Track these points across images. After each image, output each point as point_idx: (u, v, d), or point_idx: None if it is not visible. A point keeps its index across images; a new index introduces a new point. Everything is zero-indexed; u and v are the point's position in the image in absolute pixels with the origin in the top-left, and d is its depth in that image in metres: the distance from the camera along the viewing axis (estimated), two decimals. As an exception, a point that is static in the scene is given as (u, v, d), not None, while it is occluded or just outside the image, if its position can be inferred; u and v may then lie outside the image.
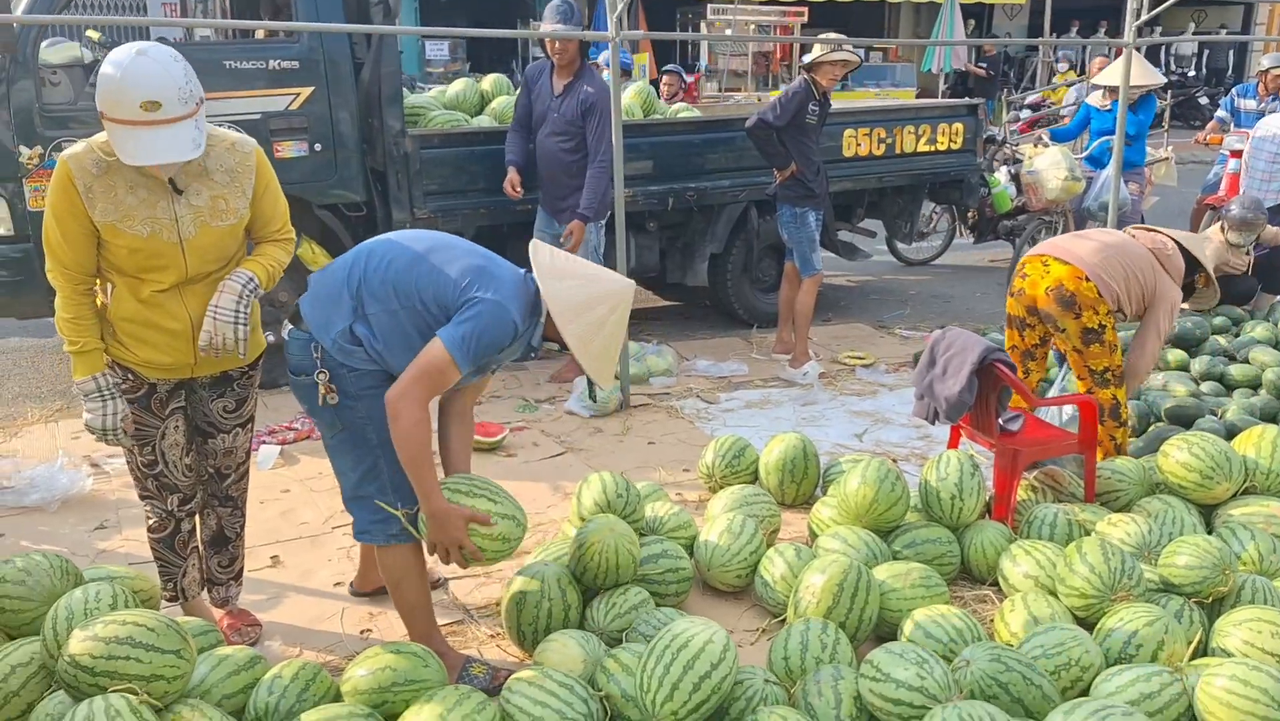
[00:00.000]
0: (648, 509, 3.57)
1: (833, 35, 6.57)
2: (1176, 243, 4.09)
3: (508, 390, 5.55)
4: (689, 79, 12.14)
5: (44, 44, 4.95)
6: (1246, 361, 5.13)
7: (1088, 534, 3.42)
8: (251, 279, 2.81)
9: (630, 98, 6.59)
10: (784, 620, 3.11)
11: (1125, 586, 2.94)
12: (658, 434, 4.96)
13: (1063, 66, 16.48)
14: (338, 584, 3.50)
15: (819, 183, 5.69)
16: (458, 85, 6.62)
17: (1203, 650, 2.85)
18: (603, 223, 5.37)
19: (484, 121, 6.25)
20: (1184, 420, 4.51)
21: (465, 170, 5.67)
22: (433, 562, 2.89)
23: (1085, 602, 2.96)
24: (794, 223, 5.71)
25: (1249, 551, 3.28)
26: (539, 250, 2.71)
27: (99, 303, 2.76)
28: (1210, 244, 5.55)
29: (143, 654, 2.31)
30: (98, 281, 2.75)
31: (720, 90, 17.51)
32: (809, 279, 5.80)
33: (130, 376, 2.81)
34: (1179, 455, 3.65)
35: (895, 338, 6.71)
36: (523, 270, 2.71)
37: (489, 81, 6.71)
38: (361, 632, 3.20)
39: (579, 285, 2.67)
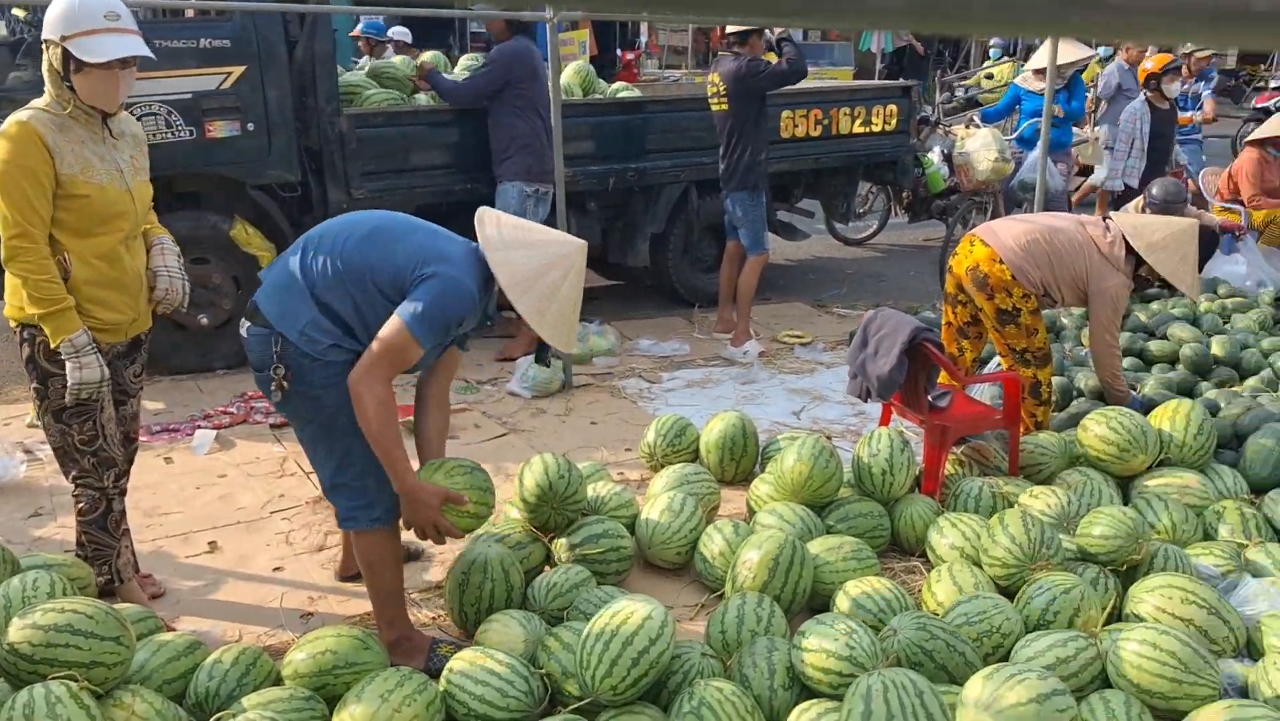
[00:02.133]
0: (590, 489, 3.62)
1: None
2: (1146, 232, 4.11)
3: (449, 371, 5.55)
4: (631, 54, 12.11)
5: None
6: (1165, 338, 5.33)
7: (1011, 506, 3.55)
8: (172, 241, 3.16)
9: (569, 77, 6.59)
10: (722, 595, 3.20)
11: (1044, 556, 3.07)
12: (600, 414, 5.01)
13: (995, 52, 16.71)
14: (277, 568, 3.50)
15: (766, 163, 5.80)
16: (395, 61, 6.56)
17: (1117, 616, 2.99)
18: (546, 196, 5.39)
19: (421, 99, 6.21)
20: (1104, 396, 4.67)
21: (403, 149, 5.64)
22: (408, 537, 2.97)
23: (1007, 572, 3.09)
24: (750, 203, 5.77)
25: (1163, 521, 3.44)
26: (485, 222, 2.73)
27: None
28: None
29: (82, 641, 2.31)
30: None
31: (661, 67, 17.52)
32: (756, 258, 5.88)
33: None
34: (1098, 429, 3.81)
35: (833, 316, 6.83)
36: (473, 242, 2.74)
37: (427, 57, 6.67)
38: (302, 616, 3.21)
39: (527, 254, 2.69)
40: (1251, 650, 2.86)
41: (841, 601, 2.98)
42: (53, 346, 2.80)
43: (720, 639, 2.81)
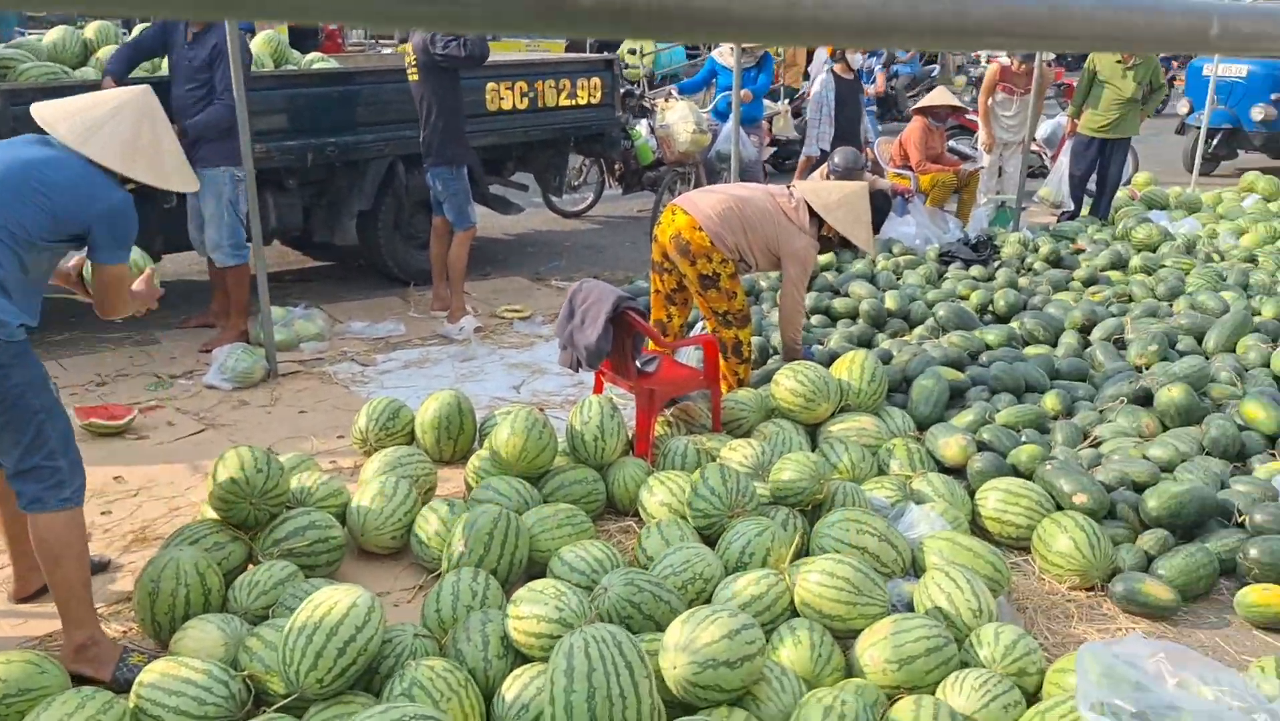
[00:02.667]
0: (294, 480, 3.48)
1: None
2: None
3: (137, 366, 5.12)
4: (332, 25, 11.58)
5: None
6: (847, 295, 5.83)
7: (714, 460, 3.77)
8: None
9: (259, 47, 6.20)
10: (440, 575, 3.18)
11: (740, 503, 3.29)
12: (309, 402, 4.80)
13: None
14: (-69, 600, 3.10)
15: (465, 136, 5.74)
16: (55, 33, 5.91)
17: (806, 551, 3.26)
18: (240, 176, 5.05)
19: (88, 73, 5.64)
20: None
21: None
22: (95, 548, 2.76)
23: (708, 522, 3.28)
24: (450, 177, 5.69)
25: (843, 461, 3.78)
26: (53, 122, 2.74)
27: None
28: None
29: None
30: None
31: (369, 36, 16.88)
32: (462, 233, 5.82)
33: None
34: (787, 383, 4.11)
35: (552, 289, 6.91)
36: (70, 152, 2.72)
37: (93, 29, 6.05)
38: (-35, 650, 2.87)
39: (111, 128, 2.77)
40: (916, 568, 3.21)
41: (555, 566, 3.05)
42: None
43: (436, 617, 2.80)
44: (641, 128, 8.44)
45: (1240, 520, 3.47)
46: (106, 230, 2.70)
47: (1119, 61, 7.81)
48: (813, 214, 4.37)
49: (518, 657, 2.65)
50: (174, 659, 2.50)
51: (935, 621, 2.74)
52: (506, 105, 6.87)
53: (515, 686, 2.45)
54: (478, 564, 3.01)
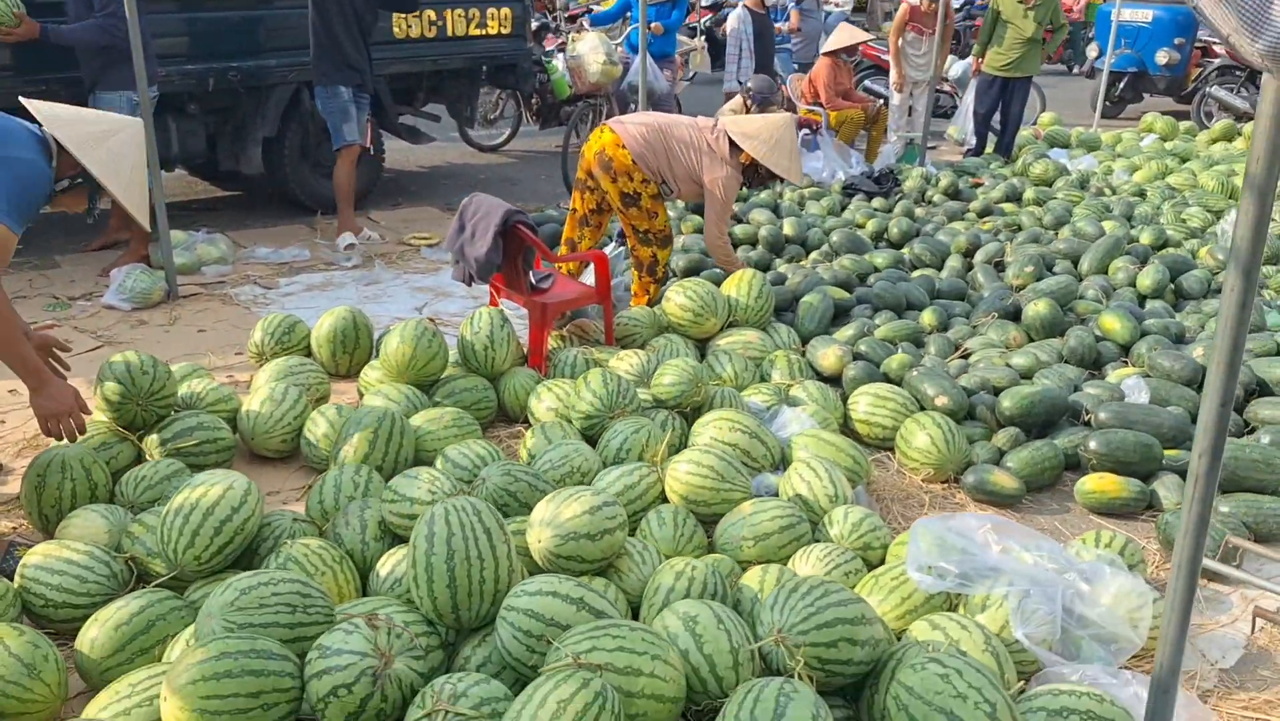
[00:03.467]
0: (184, 386, 3.54)
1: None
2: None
3: (34, 289, 5.08)
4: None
5: None
6: (747, 222, 5.99)
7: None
8: None
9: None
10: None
11: (621, 405, 3.45)
12: (209, 322, 4.83)
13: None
14: None
15: (356, 59, 5.76)
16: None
17: (682, 449, 3.43)
18: (136, 100, 4.99)
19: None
20: (694, 271, 5.18)
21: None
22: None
23: (590, 422, 3.43)
24: (326, 96, 5.77)
25: (728, 371, 3.96)
26: (37, 104, 2.86)
27: None
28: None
29: None
30: None
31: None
32: (345, 150, 5.88)
33: None
34: (678, 299, 4.27)
35: (461, 219, 6.96)
36: (29, 124, 2.81)
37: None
38: None
39: (90, 123, 2.89)
40: (785, 464, 3.41)
41: (439, 462, 3.18)
42: None
43: (319, 509, 2.91)
44: (558, 62, 8.46)
45: (1087, 419, 3.74)
46: (3, 183, 2.62)
47: (1020, 2, 8.02)
48: (733, 145, 4.49)
49: (394, 541, 2.78)
50: (57, 542, 2.59)
51: (790, 504, 2.93)
52: (415, 33, 6.84)
53: (389, 563, 2.59)
54: (363, 460, 3.13)
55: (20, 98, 2.91)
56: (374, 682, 1.98)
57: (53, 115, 2.88)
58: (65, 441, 2.95)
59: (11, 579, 2.56)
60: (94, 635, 2.31)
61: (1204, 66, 12.04)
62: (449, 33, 7.03)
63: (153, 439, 3.23)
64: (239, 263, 5.68)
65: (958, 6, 15.08)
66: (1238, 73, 11.64)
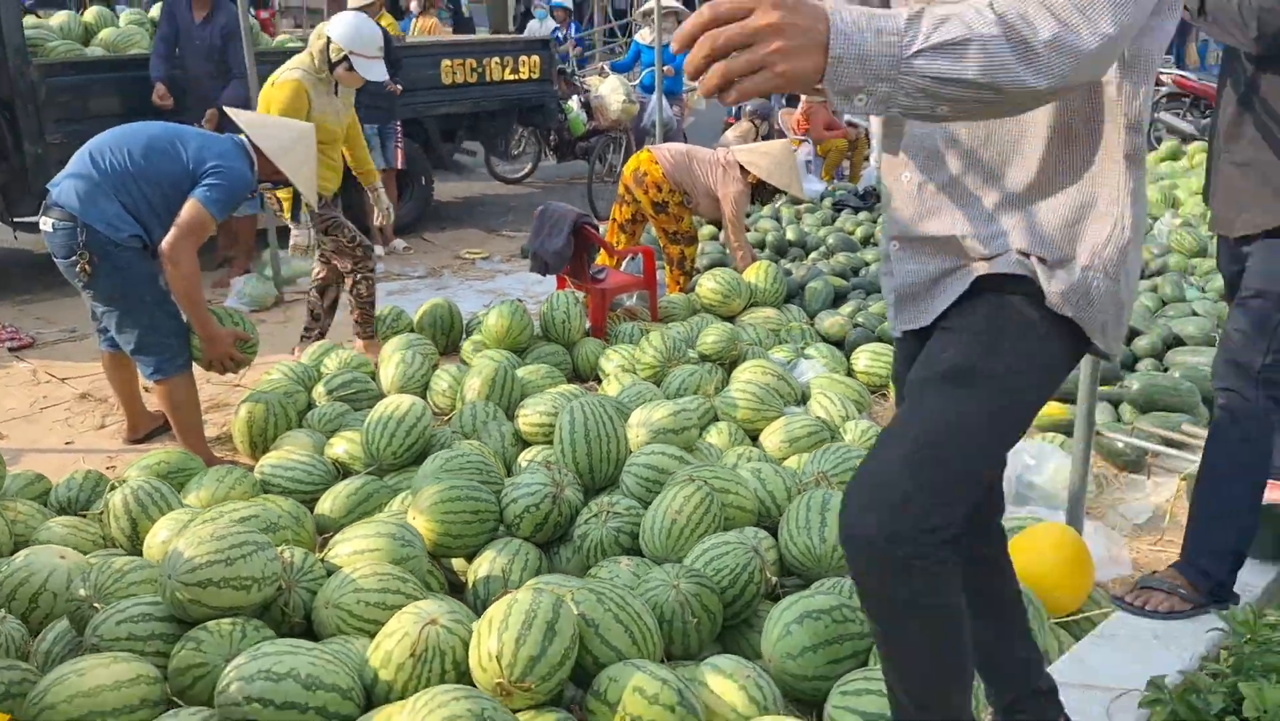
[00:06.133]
0: (330, 357, 4.52)
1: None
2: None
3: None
4: (265, 14, 12.41)
5: None
6: (755, 230, 7.03)
7: (654, 337, 4.91)
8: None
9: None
10: (448, 417, 4.25)
11: (677, 357, 4.44)
12: (317, 319, 5.80)
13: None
14: (68, 442, 4.07)
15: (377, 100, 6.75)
16: (60, 17, 6.77)
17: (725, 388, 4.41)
18: None
19: (97, 51, 6.53)
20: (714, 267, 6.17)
21: (92, 97, 6.00)
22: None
23: (652, 372, 4.42)
24: None
25: (751, 335, 4.96)
26: (237, 113, 3.79)
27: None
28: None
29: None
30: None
31: (297, 26, 17.57)
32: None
33: None
34: (709, 284, 5.28)
35: (504, 237, 7.98)
36: (236, 136, 3.69)
37: (91, 14, 6.93)
38: (107, 469, 3.85)
39: (276, 129, 3.79)
40: (805, 400, 4.39)
41: (541, 397, 4.15)
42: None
43: (460, 429, 3.88)
44: (573, 103, 9.53)
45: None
46: (215, 180, 3.49)
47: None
48: (742, 168, 5.56)
49: (525, 446, 3.75)
50: (283, 449, 3.54)
51: (815, 419, 3.92)
52: (459, 79, 7.90)
53: (528, 455, 3.56)
54: (485, 399, 4.09)
55: (224, 107, 3.86)
56: (554, 501, 2.95)
57: (251, 124, 3.81)
58: (227, 375, 3.90)
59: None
60: (330, 504, 3.25)
61: (1154, 93, 13.23)
62: (488, 78, 8.09)
63: (319, 389, 4.20)
64: (324, 275, 6.66)
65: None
66: (1184, 99, 12.85)
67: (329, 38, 4.53)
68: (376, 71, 4.66)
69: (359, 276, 4.81)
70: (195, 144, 3.52)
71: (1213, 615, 2.55)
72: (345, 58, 4.53)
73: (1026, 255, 1.52)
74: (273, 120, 4.03)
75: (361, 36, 4.54)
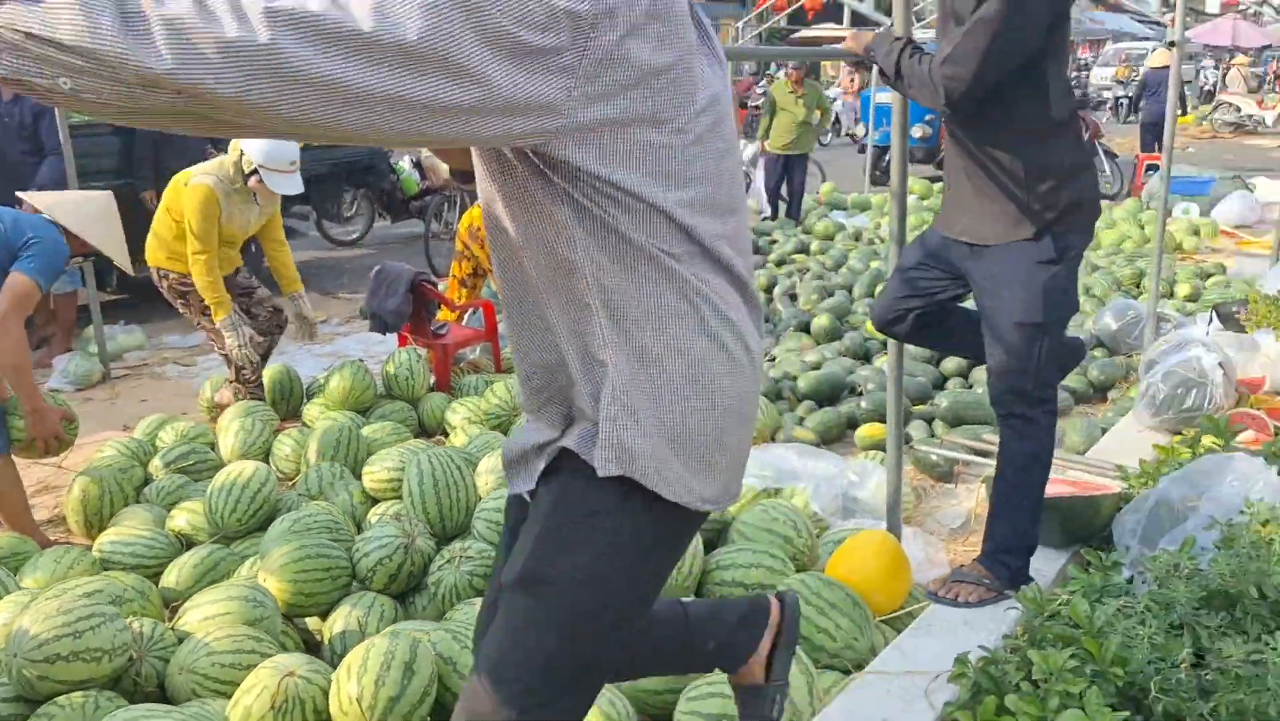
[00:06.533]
0: (166, 429, 4.42)
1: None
2: None
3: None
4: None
5: None
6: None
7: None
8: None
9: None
10: (293, 482, 4.23)
11: (520, 404, 4.56)
12: (148, 394, 5.64)
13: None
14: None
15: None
16: None
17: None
18: None
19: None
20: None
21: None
22: None
23: (499, 421, 4.53)
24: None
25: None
26: (34, 196, 3.76)
27: None
28: None
29: None
30: None
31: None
32: None
33: None
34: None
35: (340, 300, 7.93)
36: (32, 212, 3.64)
37: None
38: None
39: (75, 204, 3.72)
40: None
41: (387, 453, 4.19)
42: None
43: (307, 491, 3.87)
44: (405, 162, 9.58)
45: (859, 391, 5.12)
46: (38, 253, 3.42)
47: (790, 92, 9.79)
48: None
49: (374, 503, 3.78)
50: (121, 525, 3.46)
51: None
52: (287, 144, 7.84)
53: (378, 511, 3.60)
54: (329, 461, 4.10)
55: (18, 193, 3.77)
56: (405, 552, 3.01)
57: (49, 205, 3.69)
58: (50, 456, 3.78)
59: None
60: (175, 575, 3.20)
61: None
62: (314, 143, 8.06)
63: (156, 462, 4.11)
64: (153, 349, 6.46)
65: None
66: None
67: (241, 150, 4.53)
68: (288, 186, 4.65)
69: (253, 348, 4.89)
70: (8, 221, 3.47)
71: (1014, 600, 2.86)
72: (255, 170, 4.53)
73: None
74: (70, 196, 3.96)
75: (271, 152, 4.53)
